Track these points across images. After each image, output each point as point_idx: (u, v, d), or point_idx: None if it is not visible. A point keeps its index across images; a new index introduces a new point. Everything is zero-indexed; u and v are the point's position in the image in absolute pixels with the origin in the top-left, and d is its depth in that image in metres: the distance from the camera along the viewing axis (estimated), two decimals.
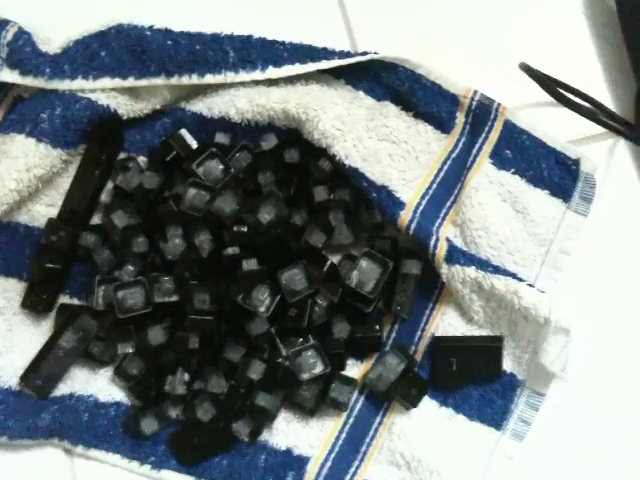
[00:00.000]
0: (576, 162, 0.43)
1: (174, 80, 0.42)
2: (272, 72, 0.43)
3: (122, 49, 0.42)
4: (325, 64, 0.43)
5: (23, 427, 0.40)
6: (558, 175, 0.43)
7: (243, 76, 0.43)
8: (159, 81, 0.42)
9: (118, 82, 0.42)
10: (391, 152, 0.43)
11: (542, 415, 0.42)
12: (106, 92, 0.43)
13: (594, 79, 0.46)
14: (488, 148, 0.44)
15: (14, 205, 0.42)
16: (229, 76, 0.42)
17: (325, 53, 0.44)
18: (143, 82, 0.42)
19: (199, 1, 0.47)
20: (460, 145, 0.44)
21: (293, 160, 0.43)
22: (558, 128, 0.44)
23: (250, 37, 0.43)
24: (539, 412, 0.42)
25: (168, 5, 0.47)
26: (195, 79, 0.42)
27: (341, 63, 0.43)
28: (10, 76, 0.42)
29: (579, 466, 0.42)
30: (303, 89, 0.43)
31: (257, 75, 0.43)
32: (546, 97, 0.43)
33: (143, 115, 0.44)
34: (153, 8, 0.46)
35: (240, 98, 0.43)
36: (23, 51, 0.42)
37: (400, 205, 0.42)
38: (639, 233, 0.45)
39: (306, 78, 0.44)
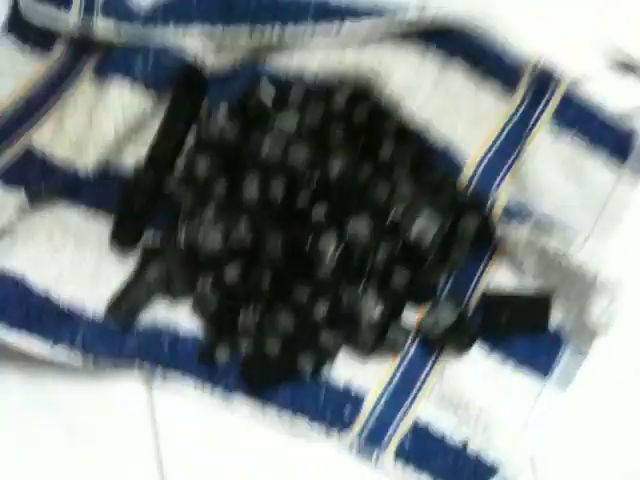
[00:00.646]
0: (631, 133, 0.45)
1: (258, 29, 0.45)
2: (350, 24, 0.45)
3: None
4: (401, 18, 0.45)
5: (108, 352, 0.43)
6: (613, 143, 0.45)
7: (323, 26, 0.45)
8: (244, 29, 0.45)
9: (207, 29, 0.46)
10: (457, 109, 0.46)
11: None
12: (195, 40, 0.46)
13: None
14: (549, 113, 0.46)
15: (110, 146, 0.45)
16: (309, 26, 0.45)
17: (402, 8, 0.46)
18: (230, 29, 0.45)
19: None
20: (523, 107, 0.46)
21: (362, 118, 0.46)
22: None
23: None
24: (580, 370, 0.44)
25: None
26: (277, 29, 0.45)
27: (416, 19, 0.45)
28: (106, 23, 0.46)
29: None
30: (375, 48, 0.46)
31: (335, 26, 0.45)
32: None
33: (225, 68, 0.47)
34: None
35: (314, 61, 0.46)
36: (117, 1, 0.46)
37: (463, 161, 0.45)
38: None
39: (378, 35, 0.46)
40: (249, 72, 0.47)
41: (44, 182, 0.45)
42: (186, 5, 0.46)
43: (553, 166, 0.46)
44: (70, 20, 0.46)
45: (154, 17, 0.46)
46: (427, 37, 0.46)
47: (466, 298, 0.46)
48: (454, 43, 0.46)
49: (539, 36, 0.47)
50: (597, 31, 0.46)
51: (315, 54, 0.46)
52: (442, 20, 0.45)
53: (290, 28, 0.45)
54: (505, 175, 0.46)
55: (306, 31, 0.45)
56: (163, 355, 0.44)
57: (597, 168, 0.46)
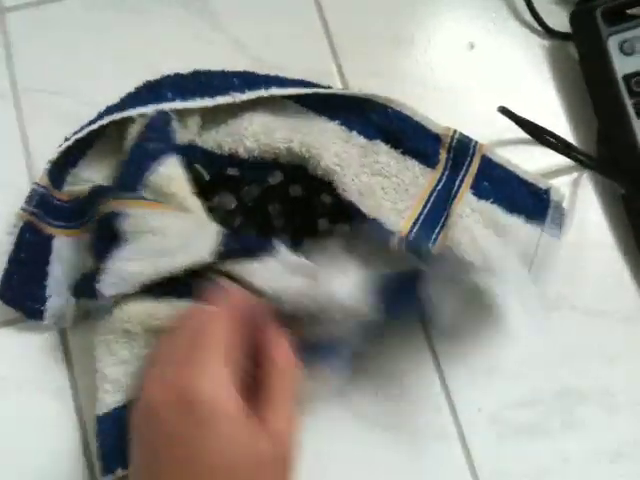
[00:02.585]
0: (546, 192, 0.48)
1: (187, 103, 0.47)
2: (275, 91, 0.47)
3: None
4: (324, 90, 0.48)
5: None
6: (531, 204, 0.48)
7: (249, 94, 0.47)
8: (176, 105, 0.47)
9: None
10: (383, 186, 0.48)
11: None
12: None
13: (559, 119, 0.52)
14: (469, 180, 0.48)
15: None
16: (236, 96, 0.47)
17: (323, 87, 0.49)
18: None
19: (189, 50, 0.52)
20: (444, 178, 0.49)
21: (297, 194, 0.48)
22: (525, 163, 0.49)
23: (253, 72, 0.49)
24: None
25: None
26: (207, 101, 0.47)
27: (338, 92, 0.49)
28: None
29: None
30: (304, 130, 0.48)
31: (261, 93, 0.47)
32: (514, 139, 0.48)
33: None
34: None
35: (248, 137, 0.47)
36: None
37: (393, 233, 0.46)
38: (603, 255, 0.49)
39: (306, 120, 0.49)
40: (182, 153, 0.48)
41: None
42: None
43: (479, 227, 0.48)
44: None
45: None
46: (350, 120, 0.49)
47: None
48: (374, 125, 0.49)
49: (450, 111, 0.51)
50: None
51: (248, 131, 0.48)
52: (362, 105, 0.48)
53: (218, 99, 0.47)
54: (437, 238, 0.48)
55: (235, 99, 0.47)
56: None
57: (519, 227, 0.48)
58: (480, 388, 0.46)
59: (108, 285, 0.42)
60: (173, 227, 0.43)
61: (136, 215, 0.43)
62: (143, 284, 0.42)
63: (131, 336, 0.43)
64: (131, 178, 0.45)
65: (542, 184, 0.48)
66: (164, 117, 0.46)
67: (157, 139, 0.45)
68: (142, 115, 0.46)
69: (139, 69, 0.50)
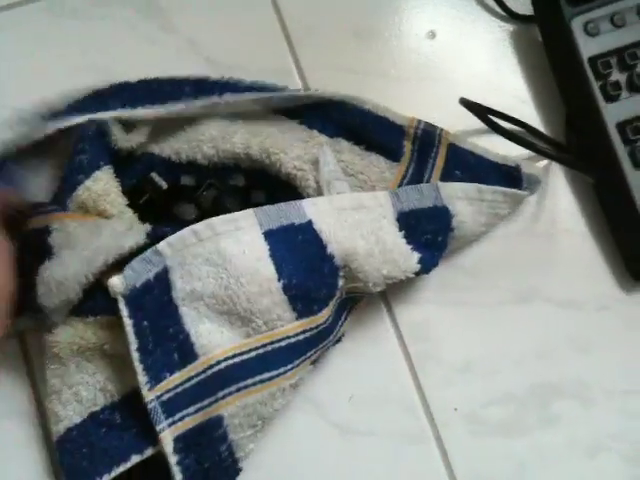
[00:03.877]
0: (517, 169, 0.47)
1: (136, 112, 0.45)
2: (230, 97, 0.46)
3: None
4: (280, 94, 0.47)
5: None
6: (505, 185, 0.46)
7: (202, 102, 0.46)
8: (126, 114, 0.45)
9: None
10: (350, 184, 0.47)
11: None
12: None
13: (527, 105, 0.50)
14: (437, 171, 0.47)
15: None
16: (189, 104, 0.45)
17: (280, 88, 0.47)
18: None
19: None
20: (411, 171, 0.47)
21: (259, 200, 0.46)
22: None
23: (206, 78, 0.47)
24: None
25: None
26: (157, 108, 0.45)
27: (295, 95, 0.47)
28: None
29: None
30: (263, 133, 0.46)
31: (215, 99, 0.46)
32: (482, 127, 0.47)
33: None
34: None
35: (205, 143, 0.46)
36: None
37: None
38: (575, 244, 0.48)
39: (265, 121, 0.47)
40: (140, 163, 0.47)
41: None
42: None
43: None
44: None
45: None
46: (310, 119, 0.48)
47: None
48: (335, 122, 0.48)
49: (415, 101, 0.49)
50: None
51: (206, 135, 0.46)
52: (321, 103, 0.47)
53: (169, 106, 0.46)
54: None
55: (187, 107, 0.46)
56: None
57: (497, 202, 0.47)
58: (455, 387, 0.45)
59: (46, 295, 0.41)
60: (104, 230, 0.42)
61: (63, 229, 0.42)
62: (80, 291, 0.41)
63: (62, 361, 0.42)
64: (63, 194, 0.44)
65: (511, 162, 0.47)
66: (99, 127, 0.44)
67: (90, 151, 0.44)
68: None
69: (90, 75, 0.48)
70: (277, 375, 0.41)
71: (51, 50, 0.50)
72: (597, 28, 0.48)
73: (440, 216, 0.44)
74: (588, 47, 0.47)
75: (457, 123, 0.49)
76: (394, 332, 0.46)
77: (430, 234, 0.44)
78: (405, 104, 0.49)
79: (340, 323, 0.45)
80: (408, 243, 0.43)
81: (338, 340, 0.45)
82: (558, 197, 0.49)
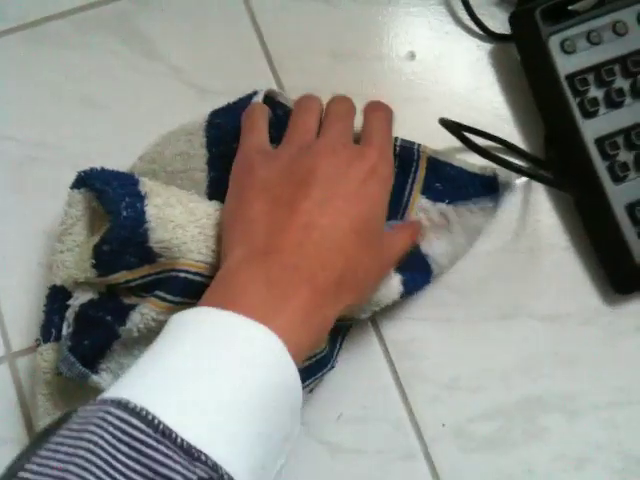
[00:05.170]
0: (494, 177, 0.47)
1: None
2: None
3: None
4: None
5: None
6: (484, 194, 0.47)
7: None
8: None
9: None
10: None
11: None
12: None
13: (507, 123, 0.51)
14: (419, 185, 0.48)
15: None
16: None
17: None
18: None
19: None
20: (393, 189, 0.48)
21: None
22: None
23: None
24: None
25: None
26: None
27: None
28: None
29: None
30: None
31: None
32: (458, 145, 0.47)
33: None
34: None
35: None
36: None
37: None
38: (558, 258, 0.48)
39: None
40: None
41: None
42: None
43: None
44: None
45: None
46: None
47: None
48: None
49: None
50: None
51: None
52: None
53: None
54: None
55: None
56: None
57: (476, 216, 0.47)
58: (442, 404, 0.46)
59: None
60: None
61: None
62: None
63: (52, 386, 0.43)
64: None
65: (489, 172, 0.47)
66: None
67: None
68: None
69: (74, 103, 0.49)
70: None
71: (34, 78, 0.51)
72: (574, 46, 0.48)
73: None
74: (565, 65, 0.48)
75: (439, 143, 0.49)
76: (381, 350, 0.47)
77: (411, 264, 0.45)
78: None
79: (336, 351, 0.45)
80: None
81: (332, 366, 0.45)
82: (540, 213, 0.49)
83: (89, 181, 0.42)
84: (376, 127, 0.44)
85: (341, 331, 0.46)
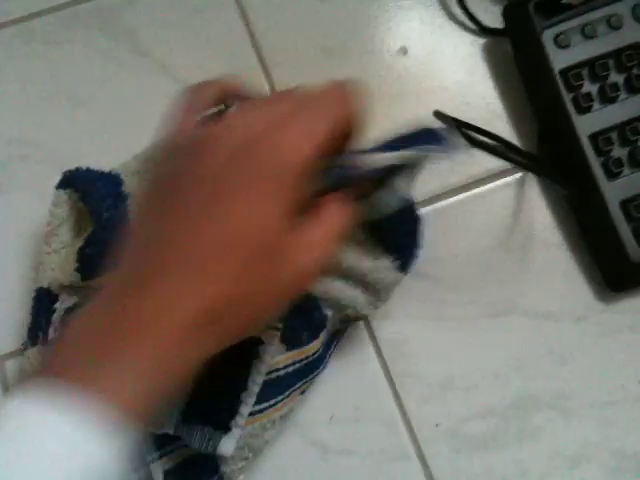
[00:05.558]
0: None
1: None
2: None
3: None
4: None
5: None
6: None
7: None
8: None
9: None
10: None
11: None
12: None
13: (499, 119, 0.50)
14: None
15: None
16: None
17: None
18: None
19: None
20: None
21: None
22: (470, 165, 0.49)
23: None
24: None
25: None
26: None
27: None
28: None
29: None
30: None
31: None
32: None
33: None
34: None
35: None
36: None
37: None
38: (551, 255, 0.48)
39: None
40: None
41: None
42: None
43: None
44: None
45: None
46: None
47: None
48: None
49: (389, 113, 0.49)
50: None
51: None
52: None
53: None
54: None
55: None
56: None
57: None
58: (436, 403, 0.46)
59: None
60: None
61: None
62: None
63: None
64: None
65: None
66: None
67: None
68: None
69: (62, 100, 0.48)
70: (267, 407, 0.40)
71: (20, 75, 0.50)
72: (568, 40, 0.48)
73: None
74: (559, 59, 0.47)
75: None
76: (373, 349, 0.46)
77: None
78: (378, 120, 0.49)
79: (329, 353, 0.45)
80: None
81: (324, 367, 0.45)
82: (533, 210, 0.49)
83: (73, 181, 0.41)
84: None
85: (338, 333, 0.45)
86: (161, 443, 0.40)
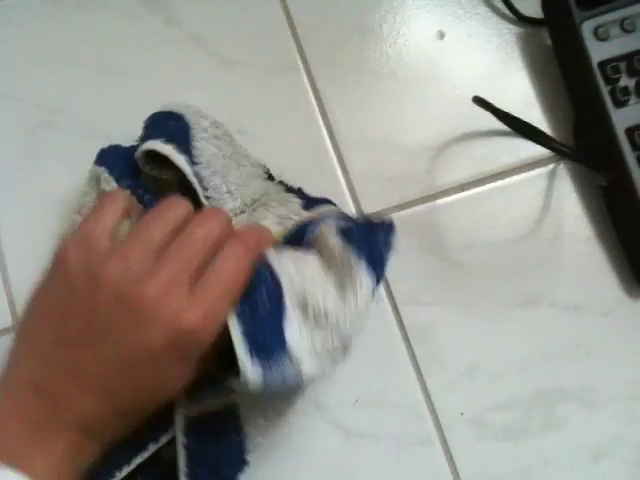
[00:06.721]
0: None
1: None
2: None
3: None
4: None
5: None
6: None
7: None
8: None
9: None
10: None
11: None
12: None
13: (534, 109, 0.50)
14: None
15: None
16: None
17: None
18: None
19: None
20: None
21: None
22: (503, 154, 0.48)
23: None
24: None
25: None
26: None
27: None
28: None
29: None
30: None
31: None
32: (490, 128, 0.47)
33: None
34: None
35: None
36: None
37: None
38: (581, 248, 0.48)
39: None
40: None
41: None
42: None
43: None
44: None
45: None
46: None
47: None
48: None
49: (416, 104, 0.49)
50: None
51: None
52: None
53: None
54: None
55: None
56: None
57: None
58: (461, 391, 0.45)
59: None
60: None
61: None
62: None
63: None
64: None
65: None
66: None
67: None
68: None
69: (92, 68, 0.47)
70: None
71: (52, 40, 0.49)
72: (607, 33, 0.47)
73: None
74: (598, 51, 0.47)
75: (463, 124, 0.49)
76: (400, 334, 0.46)
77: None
78: (412, 104, 0.49)
79: None
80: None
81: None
82: (565, 202, 0.48)
83: (101, 159, 0.41)
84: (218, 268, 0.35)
85: None
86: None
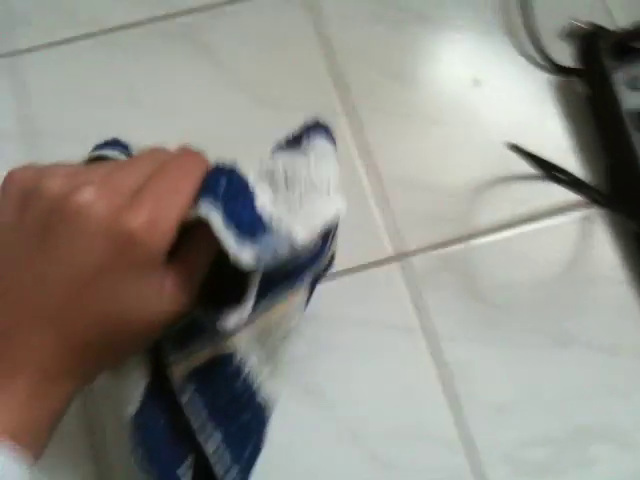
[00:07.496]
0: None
1: None
2: None
3: None
4: None
5: None
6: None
7: None
8: None
9: None
10: None
11: None
12: None
13: (568, 156, 0.52)
14: None
15: None
16: None
17: None
18: None
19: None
20: None
21: None
22: (534, 200, 0.50)
23: None
24: None
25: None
26: None
27: None
28: None
29: None
30: None
31: None
32: (525, 173, 0.49)
33: None
34: None
35: None
36: None
37: None
38: (615, 292, 0.49)
39: None
40: None
41: None
42: None
43: None
44: None
45: None
46: None
47: None
48: None
49: (458, 146, 0.51)
50: None
51: None
52: None
53: None
54: None
55: None
56: None
57: None
58: (495, 427, 0.46)
59: None
60: None
61: None
62: None
63: None
64: None
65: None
66: None
67: None
68: None
69: (139, 109, 0.51)
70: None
71: (103, 83, 0.52)
72: (639, 83, 0.49)
73: None
74: (630, 101, 0.49)
75: (498, 169, 0.50)
76: (436, 369, 0.47)
77: None
78: (447, 148, 0.51)
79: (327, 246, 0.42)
80: None
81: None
82: (598, 245, 0.50)
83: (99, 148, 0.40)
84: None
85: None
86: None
